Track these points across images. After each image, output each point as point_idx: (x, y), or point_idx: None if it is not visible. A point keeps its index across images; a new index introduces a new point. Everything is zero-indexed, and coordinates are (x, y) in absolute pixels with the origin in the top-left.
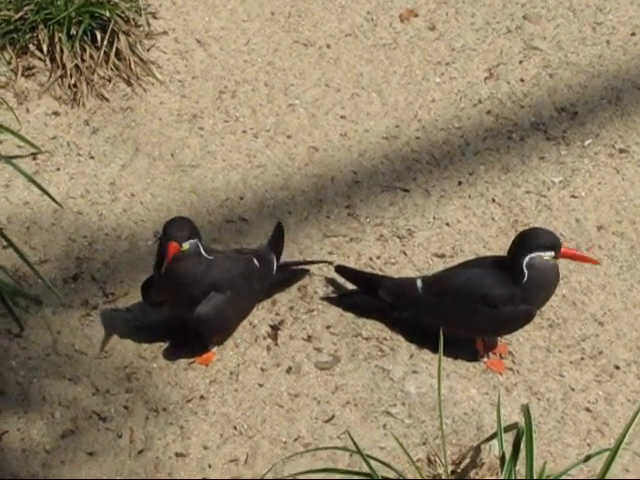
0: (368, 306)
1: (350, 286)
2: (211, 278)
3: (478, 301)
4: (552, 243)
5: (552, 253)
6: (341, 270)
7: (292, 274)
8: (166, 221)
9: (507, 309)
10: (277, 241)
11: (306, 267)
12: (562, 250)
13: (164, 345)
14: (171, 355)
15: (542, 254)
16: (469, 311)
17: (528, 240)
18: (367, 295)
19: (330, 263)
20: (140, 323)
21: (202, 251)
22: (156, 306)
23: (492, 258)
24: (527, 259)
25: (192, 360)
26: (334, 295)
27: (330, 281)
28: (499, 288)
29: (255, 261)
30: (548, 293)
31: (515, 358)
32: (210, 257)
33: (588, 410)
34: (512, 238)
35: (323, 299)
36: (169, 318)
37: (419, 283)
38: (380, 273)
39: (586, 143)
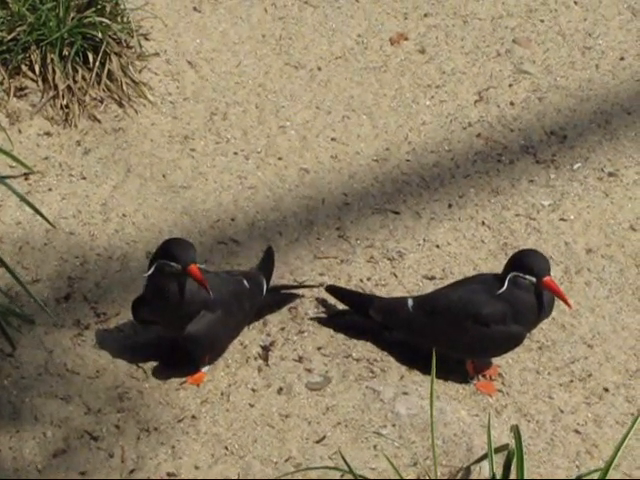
0: (359, 327)
1: (341, 306)
2: (202, 297)
3: (469, 319)
4: (536, 269)
5: (533, 279)
6: (332, 290)
7: (282, 297)
8: (169, 244)
9: (497, 329)
10: (267, 264)
11: (296, 291)
12: (545, 280)
13: (155, 365)
14: (162, 375)
15: (524, 276)
16: (459, 330)
17: (516, 259)
18: (358, 315)
19: (320, 286)
20: (132, 343)
21: None
22: (147, 325)
23: (484, 276)
24: (510, 276)
25: (183, 380)
26: (325, 316)
27: (321, 302)
28: (490, 306)
29: (245, 282)
30: (535, 315)
31: (505, 380)
32: None
33: (577, 432)
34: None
35: (314, 320)
36: (160, 337)
37: (410, 302)
38: (370, 293)
39: (575, 167)
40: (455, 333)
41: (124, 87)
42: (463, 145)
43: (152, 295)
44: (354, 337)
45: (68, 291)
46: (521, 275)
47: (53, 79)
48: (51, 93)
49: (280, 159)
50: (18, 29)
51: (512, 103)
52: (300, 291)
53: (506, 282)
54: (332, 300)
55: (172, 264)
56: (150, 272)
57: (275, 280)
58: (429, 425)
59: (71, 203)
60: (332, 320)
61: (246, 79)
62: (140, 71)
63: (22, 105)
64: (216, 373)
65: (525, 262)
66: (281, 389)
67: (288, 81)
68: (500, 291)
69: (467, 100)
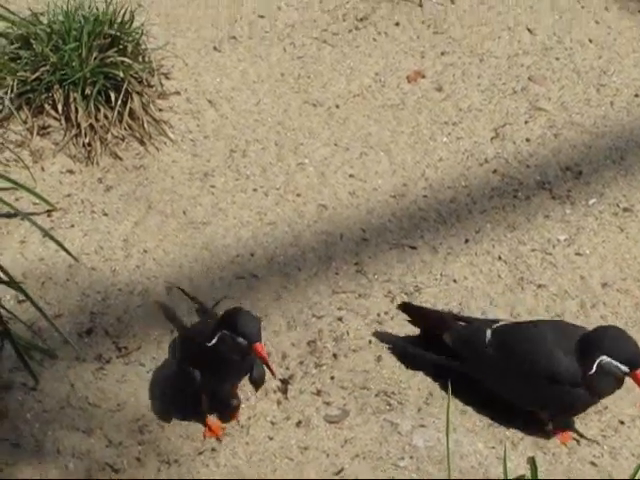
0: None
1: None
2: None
3: (541, 373)
4: (630, 359)
5: (625, 369)
6: (406, 308)
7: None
8: (236, 316)
9: (568, 389)
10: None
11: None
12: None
13: (176, 398)
14: (183, 408)
15: (618, 365)
16: (530, 381)
17: (609, 342)
18: (428, 338)
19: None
20: (153, 376)
21: None
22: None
23: (569, 327)
24: (599, 360)
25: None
26: (342, 350)
27: (339, 336)
28: (566, 366)
29: None
30: (611, 391)
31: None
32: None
33: (593, 464)
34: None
35: (332, 354)
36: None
37: (488, 333)
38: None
39: (591, 202)
40: (525, 383)
41: (145, 125)
42: (479, 181)
43: (208, 361)
44: (372, 370)
45: (90, 326)
46: (614, 363)
47: (76, 118)
48: (74, 131)
49: (299, 195)
50: (42, 69)
51: (528, 139)
52: (318, 325)
53: (594, 366)
54: (352, 334)
55: (238, 339)
56: (213, 342)
57: (294, 314)
58: (446, 457)
59: (93, 239)
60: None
61: (265, 117)
62: (161, 110)
63: (45, 143)
64: None
65: (619, 350)
66: (300, 422)
67: (307, 119)
68: (590, 372)
69: (483, 137)
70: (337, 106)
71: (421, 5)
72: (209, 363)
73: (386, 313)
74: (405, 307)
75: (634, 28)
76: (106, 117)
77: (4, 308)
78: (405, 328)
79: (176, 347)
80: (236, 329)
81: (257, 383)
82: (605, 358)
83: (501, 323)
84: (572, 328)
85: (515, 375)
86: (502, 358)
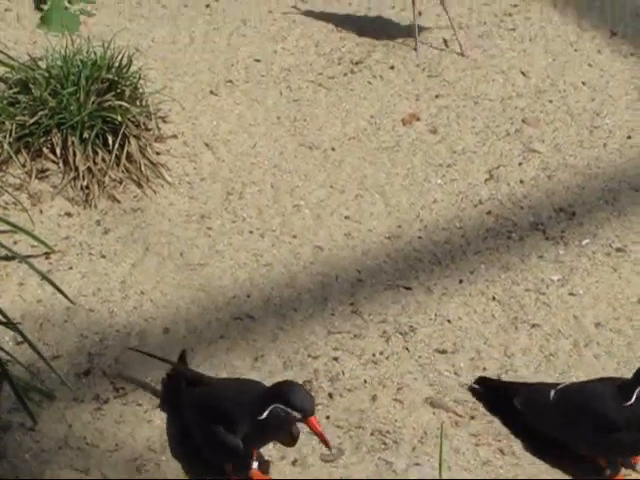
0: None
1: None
2: None
3: (591, 423)
4: None
5: None
6: (483, 382)
7: None
8: (289, 391)
9: (618, 436)
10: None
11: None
12: None
13: (172, 438)
14: (179, 448)
15: None
16: (586, 432)
17: None
18: (503, 406)
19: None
20: (150, 417)
21: None
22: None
23: (619, 381)
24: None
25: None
26: (337, 389)
27: (335, 376)
28: (614, 413)
29: None
30: None
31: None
32: None
33: None
34: None
35: (327, 394)
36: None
37: (552, 393)
38: (519, 381)
39: (584, 242)
40: (583, 434)
41: (143, 168)
42: (474, 222)
43: (252, 432)
44: (367, 410)
45: (88, 366)
46: None
47: (74, 161)
48: (72, 175)
49: (295, 237)
50: (40, 113)
51: (522, 181)
52: (314, 365)
53: (635, 395)
54: (348, 374)
55: (292, 413)
56: (264, 416)
57: (290, 355)
58: None
59: (91, 281)
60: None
61: (262, 159)
62: (158, 153)
63: (43, 187)
64: None
65: None
66: (296, 460)
67: (303, 161)
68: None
69: (478, 178)
70: (333, 149)
71: (416, 49)
72: (252, 434)
73: (381, 353)
74: (481, 381)
75: (626, 71)
76: (104, 160)
77: (3, 350)
78: (399, 369)
79: (189, 402)
80: (289, 403)
81: (295, 439)
82: None
83: (562, 385)
84: (614, 380)
85: (576, 426)
86: (566, 414)
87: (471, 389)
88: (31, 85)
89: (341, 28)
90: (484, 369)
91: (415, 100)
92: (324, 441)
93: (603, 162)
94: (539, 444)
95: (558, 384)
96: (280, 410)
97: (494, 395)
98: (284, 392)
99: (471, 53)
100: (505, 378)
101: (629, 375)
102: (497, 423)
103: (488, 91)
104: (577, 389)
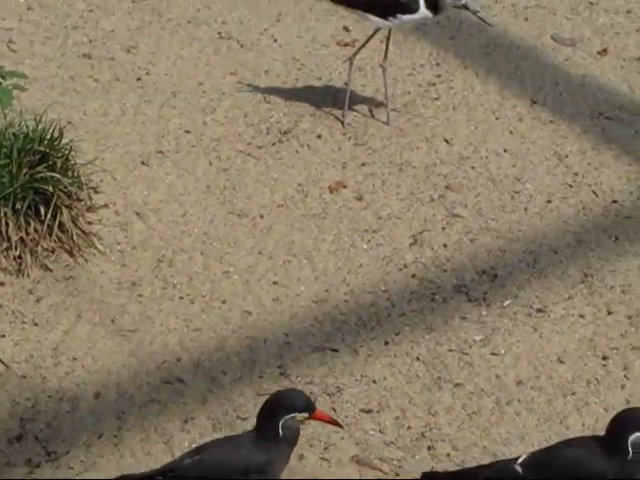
0: None
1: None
2: None
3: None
4: None
5: None
6: (430, 477)
7: None
8: (289, 398)
9: None
10: None
11: None
12: None
13: None
14: None
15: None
16: None
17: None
18: None
19: None
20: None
21: None
22: None
23: (589, 438)
24: (633, 437)
25: None
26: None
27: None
28: (600, 467)
29: None
30: None
31: None
32: None
33: None
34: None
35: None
36: None
37: (519, 468)
38: (467, 467)
39: (505, 304)
40: None
41: (74, 237)
42: (399, 285)
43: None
44: (294, 468)
45: (20, 431)
46: None
47: (6, 231)
48: (4, 245)
49: (224, 302)
50: None
51: (445, 245)
52: (243, 427)
53: (629, 447)
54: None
55: (300, 415)
56: (282, 433)
57: (219, 416)
58: None
59: (24, 348)
60: None
61: (192, 227)
62: (90, 222)
63: None
64: None
65: None
66: None
67: (232, 229)
68: (626, 457)
69: (402, 243)
70: (261, 216)
71: (342, 118)
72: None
73: None
74: (428, 476)
75: (546, 137)
76: (36, 230)
77: None
78: (326, 428)
79: None
80: (294, 408)
81: None
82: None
83: (523, 457)
84: (593, 438)
85: None
86: None
87: None
88: None
89: (269, 99)
90: (409, 427)
91: (342, 168)
92: (338, 424)
93: (524, 225)
94: None
95: (515, 459)
96: (288, 419)
97: None
98: (284, 401)
99: (395, 123)
100: (429, 436)
101: (551, 432)
102: None
103: (412, 158)
104: (551, 455)
